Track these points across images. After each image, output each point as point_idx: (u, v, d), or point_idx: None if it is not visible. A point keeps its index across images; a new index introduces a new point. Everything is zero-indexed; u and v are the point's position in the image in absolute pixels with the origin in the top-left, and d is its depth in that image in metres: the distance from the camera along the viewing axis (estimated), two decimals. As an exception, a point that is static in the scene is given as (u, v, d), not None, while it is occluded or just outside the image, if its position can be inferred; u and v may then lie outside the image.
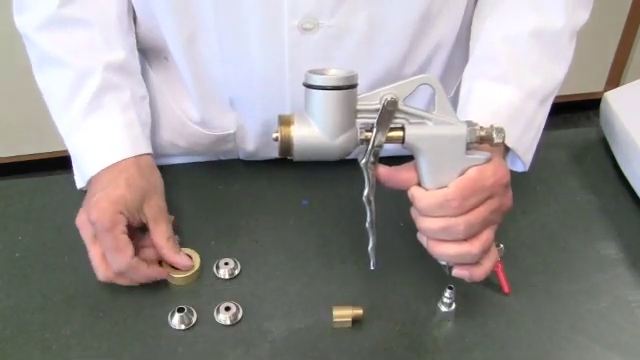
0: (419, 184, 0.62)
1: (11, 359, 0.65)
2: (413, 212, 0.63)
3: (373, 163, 0.61)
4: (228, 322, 0.68)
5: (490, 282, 0.72)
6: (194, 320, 0.68)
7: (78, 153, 0.75)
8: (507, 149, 0.70)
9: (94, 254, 0.70)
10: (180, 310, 0.68)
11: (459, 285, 0.67)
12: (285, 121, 0.59)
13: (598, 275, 0.74)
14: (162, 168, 0.77)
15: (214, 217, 0.80)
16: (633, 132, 0.83)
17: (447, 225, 0.60)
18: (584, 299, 0.71)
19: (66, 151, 0.75)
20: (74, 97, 0.73)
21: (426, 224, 0.62)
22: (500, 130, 0.61)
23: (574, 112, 2.40)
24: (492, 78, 0.71)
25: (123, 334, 0.67)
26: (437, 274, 0.66)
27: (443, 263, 0.65)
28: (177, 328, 0.68)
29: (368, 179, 0.61)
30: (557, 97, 0.76)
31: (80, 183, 0.77)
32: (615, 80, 2.39)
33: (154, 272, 0.71)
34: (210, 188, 0.84)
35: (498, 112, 0.69)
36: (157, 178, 0.75)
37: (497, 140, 0.61)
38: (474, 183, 0.60)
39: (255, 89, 0.77)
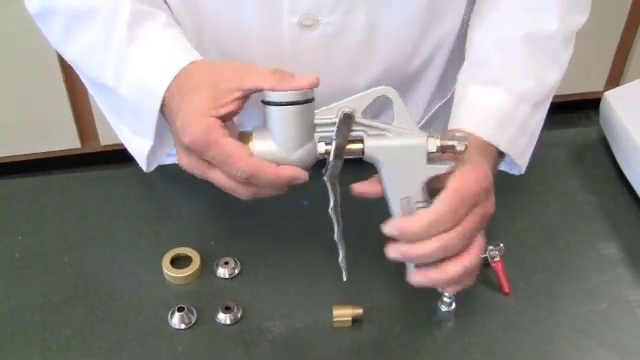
0: (384, 197, 0.61)
1: (11, 359, 0.65)
2: (401, 251, 0.60)
3: (335, 176, 0.61)
4: (228, 322, 0.68)
5: (490, 282, 0.72)
6: (194, 320, 0.68)
7: (135, 91, 0.68)
8: (501, 154, 0.70)
9: (219, 180, 0.61)
10: (180, 309, 0.68)
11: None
12: (244, 138, 0.60)
13: (598, 275, 0.74)
14: (162, 168, 0.77)
15: (214, 217, 0.80)
16: (633, 132, 0.83)
17: (441, 242, 0.59)
18: (584, 299, 0.71)
19: (65, 151, 0.74)
20: (111, 37, 0.68)
21: (419, 250, 0.59)
22: (462, 138, 0.60)
23: (574, 112, 2.40)
24: (483, 82, 0.71)
25: (123, 334, 0.67)
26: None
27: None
28: (177, 328, 0.68)
29: (332, 192, 0.61)
30: (557, 96, 0.76)
31: (150, 133, 0.69)
32: (615, 80, 2.39)
33: (288, 170, 0.60)
34: (210, 188, 0.83)
35: (488, 116, 0.69)
36: (228, 62, 0.66)
37: (459, 148, 0.60)
38: (459, 193, 0.59)
39: None
